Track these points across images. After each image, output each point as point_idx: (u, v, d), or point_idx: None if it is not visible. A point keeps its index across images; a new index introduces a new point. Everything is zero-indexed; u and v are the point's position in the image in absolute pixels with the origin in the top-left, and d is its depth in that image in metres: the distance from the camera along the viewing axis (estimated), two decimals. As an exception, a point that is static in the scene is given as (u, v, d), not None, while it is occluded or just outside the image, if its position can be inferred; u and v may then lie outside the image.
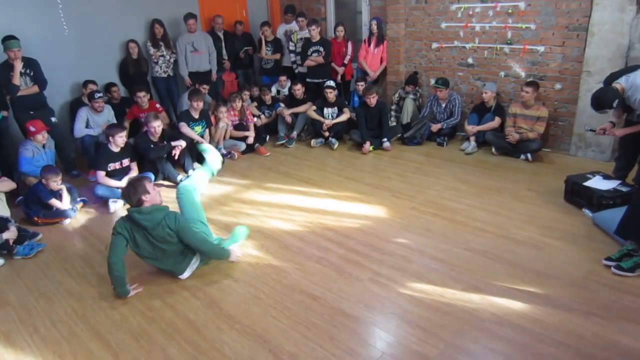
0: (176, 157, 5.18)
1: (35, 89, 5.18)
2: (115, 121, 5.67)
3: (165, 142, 5.21)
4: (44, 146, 4.89)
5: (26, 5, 5.58)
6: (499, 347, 2.49)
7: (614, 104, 3.63)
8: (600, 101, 3.67)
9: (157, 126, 5.05)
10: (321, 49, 6.65)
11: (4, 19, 5.34)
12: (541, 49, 5.42)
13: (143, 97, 5.88)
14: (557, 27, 5.23)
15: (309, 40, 6.72)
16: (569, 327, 2.60)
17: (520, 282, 3.06)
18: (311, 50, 6.70)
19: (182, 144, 5.21)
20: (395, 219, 4.08)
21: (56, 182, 4.32)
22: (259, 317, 2.85)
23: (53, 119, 5.41)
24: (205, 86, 6.48)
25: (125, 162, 4.91)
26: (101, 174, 4.71)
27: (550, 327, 2.61)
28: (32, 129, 4.73)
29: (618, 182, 4.03)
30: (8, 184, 4.39)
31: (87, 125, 5.55)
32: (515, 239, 3.61)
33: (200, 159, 5.66)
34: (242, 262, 3.50)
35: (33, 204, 4.35)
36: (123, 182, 4.71)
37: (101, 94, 5.65)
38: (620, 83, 3.65)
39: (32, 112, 5.14)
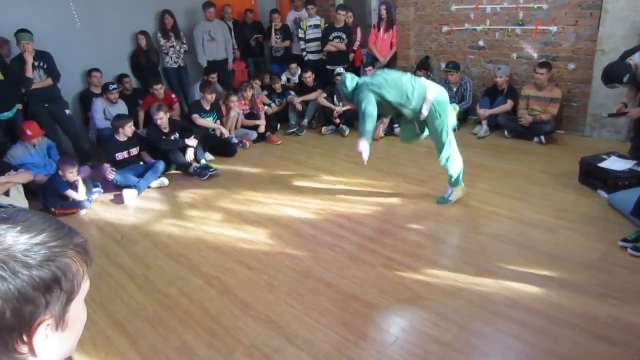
0: (188, 159, 5.20)
1: (49, 81, 5.22)
2: (127, 114, 5.69)
3: (177, 134, 5.25)
4: (34, 145, 4.87)
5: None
6: (514, 330, 2.49)
7: (625, 79, 3.56)
8: (610, 75, 3.61)
9: (160, 118, 5.07)
10: (344, 36, 6.60)
11: (18, 13, 5.39)
12: (554, 29, 5.31)
13: (160, 90, 5.95)
14: (570, 5, 5.11)
15: (332, 25, 6.67)
16: (585, 310, 2.59)
17: (535, 265, 3.04)
18: (333, 35, 6.63)
19: (194, 144, 5.25)
20: (408, 205, 4.06)
21: (72, 174, 4.39)
22: (273, 304, 2.88)
23: (67, 112, 5.47)
24: (213, 76, 6.43)
25: (134, 151, 4.96)
26: (107, 166, 4.73)
27: (565, 310, 2.60)
28: (29, 132, 4.71)
29: (634, 162, 3.96)
30: (25, 176, 4.47)
31: (105, 117, 5.61)
32: (529, 223, 3.58)
33: (212, 149, 5.71)
34: (255, 250, 3.53)
35: (51, 196, 4.43)
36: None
37: (115, 86, 5.72)
38: (633, 59, 3.58)
39: (47, 105, 5.21)
